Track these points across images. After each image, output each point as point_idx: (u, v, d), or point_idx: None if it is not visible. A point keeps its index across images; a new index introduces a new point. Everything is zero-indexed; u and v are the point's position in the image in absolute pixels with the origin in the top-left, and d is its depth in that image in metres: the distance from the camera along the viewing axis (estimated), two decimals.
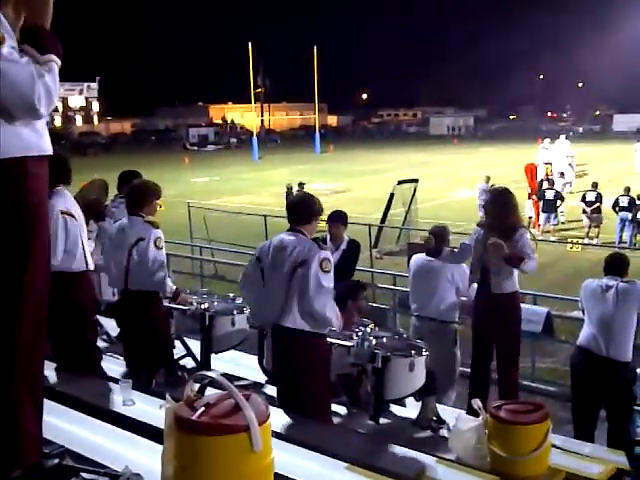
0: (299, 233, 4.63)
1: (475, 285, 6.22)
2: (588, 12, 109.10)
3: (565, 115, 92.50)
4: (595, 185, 18.43)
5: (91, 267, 4.99)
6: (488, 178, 19.93)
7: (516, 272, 5.91)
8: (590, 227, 17.83)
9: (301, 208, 4.77)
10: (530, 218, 19.18)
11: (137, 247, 5.22)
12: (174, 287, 5.53)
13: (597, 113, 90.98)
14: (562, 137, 28.79)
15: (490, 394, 6.01)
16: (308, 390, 4.52)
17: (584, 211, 17.94)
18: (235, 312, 5.85)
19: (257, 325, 5.61)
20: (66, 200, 4.84)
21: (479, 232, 6.06)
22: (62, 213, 4.71)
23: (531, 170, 21.33)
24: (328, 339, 4.83)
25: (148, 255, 5.19)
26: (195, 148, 59.09)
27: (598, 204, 17.77)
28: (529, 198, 19.34)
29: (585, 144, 43.11)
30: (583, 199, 18.06)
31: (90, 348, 5.06)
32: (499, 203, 6.00)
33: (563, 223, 19.28)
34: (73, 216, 4.80)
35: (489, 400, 5.45)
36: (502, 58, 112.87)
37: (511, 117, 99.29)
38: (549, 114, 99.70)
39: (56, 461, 2.83)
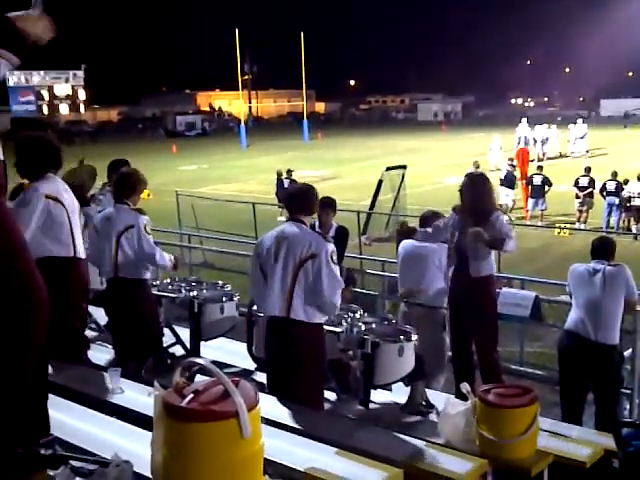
0: (302, 224, 4.60)
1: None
2: None
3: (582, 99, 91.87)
4: (588, 170, 18.43)
5: (81, 255, 4.94)
6: (477, 164, 19.93)
7: (493, 255, 5.99)
8: (582, 212, 17.86)
9: (304, 199, 4.73)
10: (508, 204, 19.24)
11: (126, 234, 5.21)
12: (171, 256, 5.57)
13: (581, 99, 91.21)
14: (523, 120, 30.56)
15: (477, 378, 6.05)
16: (306, 379, 4.52)
17: (577, 196, 17.94)
18: (224, 299, 5.85)
19: (249, 313, 5.60)
20: (55, 185, 4.78)
21: (454, 217, 6.09)
22: (46, 197, 4.67)
23: (522, 155, 21.38)
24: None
25: (141, 241, 5.21)
26: (184, 134, 58.94)
27: (591, 189, 17.79)
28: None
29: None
30: (576, 184, 18.05)
31: (75, 337, 5.02)
32: (474, 187, 6.03)
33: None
34: (59, 201, 4.73)
35: (476, 384, 5.49)
36: (490, 44, 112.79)
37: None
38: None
39: (45, 450, 2.84)
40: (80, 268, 5.00)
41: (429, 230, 6.34)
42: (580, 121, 33.56)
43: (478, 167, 19.51)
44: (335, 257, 4.50)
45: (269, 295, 4.57)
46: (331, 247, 4.49)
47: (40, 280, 2.74)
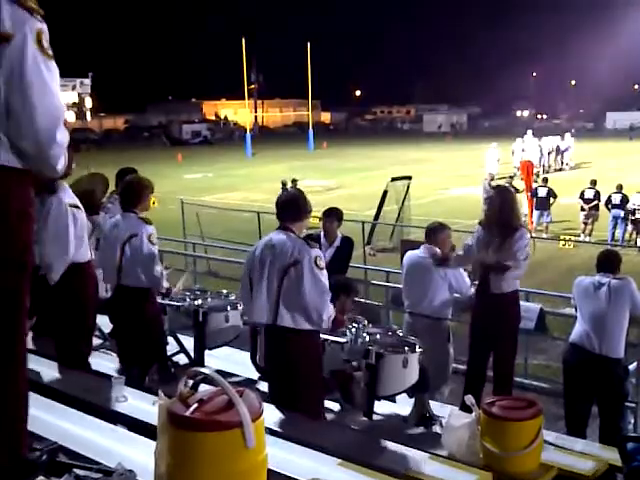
0: (289, 232, 4.62)
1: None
2: (582, 12, 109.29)
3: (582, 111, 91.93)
4: (594, 182, 18.36)
5: (93, 256, 5.12)
6: (492, 176, 19.87)
7: (518, 272, 5.89)
8: (587, 224, 17.80)
9: (292, 206, 4.74)
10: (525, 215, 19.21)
11: (130, 243, 5.24)
12: (168, 285, 5.58)
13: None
14: (529, 132, 30.98)
15: (484, 391, 6.03)
16: (301, 387, 4.52)
17: (582, 208, 17.86)
18: (228, 308, 5.85)
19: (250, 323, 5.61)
20: (70, 193, 4.92)
21: (480, 231, 6.06)
22: (70, 206, 4.81)
23: (527, 167, 21.40)
24: (321, 335, 4.84)
25: (143, 251, 5.22)
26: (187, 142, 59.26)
27: (596, 201, 17.72)
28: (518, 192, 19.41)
29: (578, 142, 43.27)
30: (581, 196, 17.99)
31: (86, 342, 5.10)
32: (499, 201, 5.99)
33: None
34: (79, 207, 4.91)
35: (483, 397, 5.47)
36: (496, 56, 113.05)
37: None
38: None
39: (49, 457, 2.83)
40: (94, 270, 5.14)
41: (460, 253, 6.32)
42: (567, 135, 33.55)
43: (493, 179, 19.48)
44: (321, 263, 4.48)
45: (257, 302, 4.60)
46: (315, 253, 4.49)
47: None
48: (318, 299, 4.44)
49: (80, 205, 4.93)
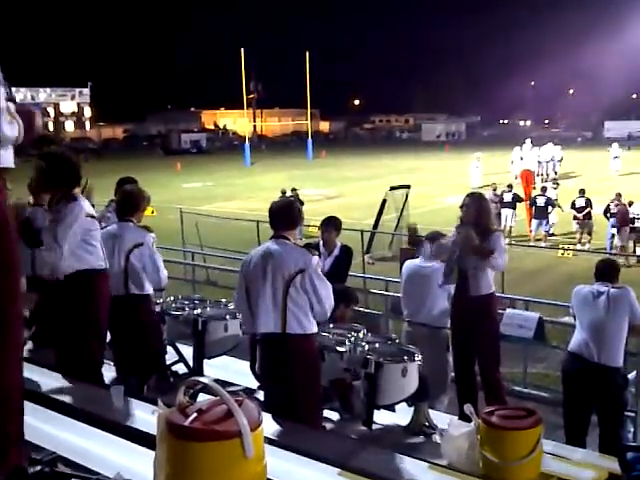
0: (285, 240, 4.64)
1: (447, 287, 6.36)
2: (581, 21, 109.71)
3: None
4: (582, 191, 18.45)
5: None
6: (495, 186, 19.87)
7: (491, 274, 6.11)
8: (582, 233, 17.85)
9: (286, 214, 4.76)
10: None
11: (135, 252, 5.26)
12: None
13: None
14: (527, 141, 31.21)
15: (480, 399, 6.04)
16: (299, 394, 4.52)
17: (575, 217, 17.93)
18: (228, 317, 5.84)
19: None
20: (87, 203, 4.92)
21: (455, 235, 6.20)
22: (87, 216, 4.82)
23: (527, 176, 21.45)
24: (321, 343, 4.84)
25: (149, 258, 5.33)
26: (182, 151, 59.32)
27: (589, 209, 17.78)
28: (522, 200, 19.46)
29: (577, 150, 43.37)
30: (573, 206, 18.06)
31: (98, 352, 5.08)
32: (474, 207, 6.15)
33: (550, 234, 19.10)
34: (94, 217, 4.93)
35: (479, 404, 5.47)
36: (494, 65, 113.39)
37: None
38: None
39: (47, 468, 2.83)
40: (108, 279, 5.09)
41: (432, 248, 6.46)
42: (550, 144, 33.50)
43: (495, 189, 19.51)
44: (319, 267, 4.62)
45: (263, 313, 4.58)
46: (316, 259, 4.58)
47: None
48: (330, 297, 4.58)
49: (94, 213, 4.97)
